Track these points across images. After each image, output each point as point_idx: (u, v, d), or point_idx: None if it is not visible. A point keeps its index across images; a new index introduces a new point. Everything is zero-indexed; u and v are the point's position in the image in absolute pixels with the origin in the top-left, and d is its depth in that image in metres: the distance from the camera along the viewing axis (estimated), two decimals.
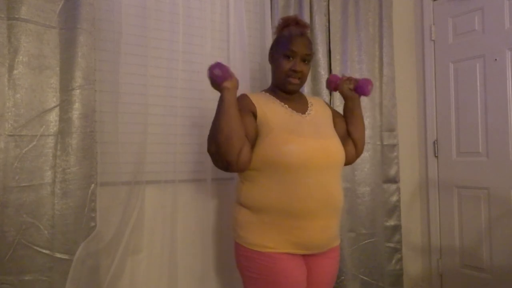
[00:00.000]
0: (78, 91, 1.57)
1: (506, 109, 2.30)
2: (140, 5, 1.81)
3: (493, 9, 2.37)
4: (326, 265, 1.46)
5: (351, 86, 1.59)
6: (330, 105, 1.63)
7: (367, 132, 2.37)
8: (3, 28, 1.47)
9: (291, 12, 2.13)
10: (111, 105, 1.71)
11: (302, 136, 1.35)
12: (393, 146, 2.49)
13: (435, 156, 2.65)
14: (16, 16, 1.48)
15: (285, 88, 1.45)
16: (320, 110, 1.53)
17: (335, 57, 2.28)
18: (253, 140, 1.36)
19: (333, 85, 1.65)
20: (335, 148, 1.42)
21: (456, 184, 2.55)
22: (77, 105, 1.57)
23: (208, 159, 1.90)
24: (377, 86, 2.45)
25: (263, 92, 1.53)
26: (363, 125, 1.62)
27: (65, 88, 1.56)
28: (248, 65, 2.02)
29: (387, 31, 2.48)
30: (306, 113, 1.47)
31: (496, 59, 2.35)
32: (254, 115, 1.39)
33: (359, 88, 1.58)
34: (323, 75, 2.20)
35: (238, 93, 1.40)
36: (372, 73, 2.41)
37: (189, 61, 1.92)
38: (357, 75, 2.35)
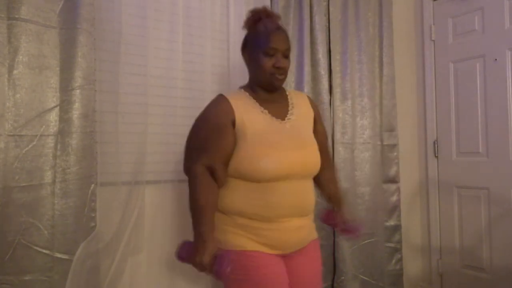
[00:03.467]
0: (78, 91, 1.57)
1: (506, 109, 2.30)
2: (140, 5, 1.81)
3: (493, 9, 2.37)
4: (306, 263, 1.44)
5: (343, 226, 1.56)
6: (314, 103, 1.56)
7: (367, 132, 2.37)
8: (3, 28, 1.47)
9: (291, 12, 2.14)
10: (111, 105, 1.71)
11: (279, 150, 1.31)
12: (393, 146, 2.49)
13: (435, 156, 2.65)
14: (16, 16, 1.48)
15: (271, 86, 1.38)
16: (302, 112, 1.46)
17: (335, 57, 2.28)
18: (231, 154, 1.33)
19: (327, 221, 1.62)
20: (312, 158, 1.39)
21: (456, 184, 2.55)
22: (77, 105, 1.57)
23: None
24: (377, 86, 2.45)
25: (242, 90, 1.43)
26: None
27: (65, 88, 1.56)
28: None
29: (387, 31, 2.48)
30: (286, 118, 1.40)
31: (496, 59, 2.35)
32: (233, 123, 1.33)
33: (347, 231, 1.56)
34: (323, 75, 2.20)
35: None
36: (372, 73, 2.42)
37: (189, 61, 1.92)
38: (357, 75, 2.35)
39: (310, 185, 1.42)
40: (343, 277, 2.19)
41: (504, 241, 2.30)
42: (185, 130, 1.89)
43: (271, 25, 1.37)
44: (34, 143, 1.51)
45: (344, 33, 2.31)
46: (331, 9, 2.28)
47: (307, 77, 2.14)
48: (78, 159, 1.57)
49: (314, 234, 1.49)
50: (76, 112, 1.56)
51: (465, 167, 2.50)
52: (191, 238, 1.88)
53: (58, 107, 1.55)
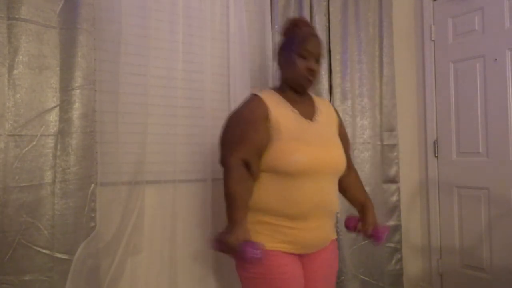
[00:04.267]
0: (78, 91, 1.57)
1: (506, 109, 2.30)
2: (140, 5, 1.81)
3: (493, 9, 2.37)
4: (322, 259, 1.48)
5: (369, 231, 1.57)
6: (337, 110, 1.64)
7: (367, 132, 2.37)
8: (3, 28, 1.47)
9: (291, 12, 2.14)
10: (111, 105, 1.71)
11: (309, 146, 1.38)
12: (393, 146, 2.49)
13: (435, 156, 2.65)
14: (16, 16, 1.48)
15: (301, 86, 1.46)
16: (327, 117, 1.54)
17: (335, 57, 2.28)
18: (265, 148, 1.38)
19: (352, 227, 1.63)
20: (339, 158, 1.46)
21: (456, 184, 2.55)
22: (77, 105, 1.57)
23: (208, 159, 1.91)
24: (377, 86, 2.45)
25: (272, 90, 1.52)
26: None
27: (65, 88, 1.56)
28: (248, 65, 2.02)
29: (387, 31, 2.48)
30: (314, 119, 1.48)
31: (496, 59, 2.35)
32: (267, 118, 1.39)
33: (374, 236, 1.56)
34: (323, 75, 2.20)
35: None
36: (372, 73, 2.42)
37: (189, 61, 1.92)
38: (357, 75, 2.35)
39: (335, 186, 1.48)
40: (343, 277, 2.19)
41: (504, 241, 2.30)
42: (185, 130, 1.90)
43: (307, 30, 1.47)
44: (34, 143, 1.51)
45: (344, 33, 2.31)
46: (331, 9, 2.28)
47: None
48: (78, 159, 1.57)
49: (334, 235, 1.53)
50: (76, 112, 1.56)
51: (465, 167, 2.50)
52: (192, 240, 1.89)
53: (58, 107, 1.55)
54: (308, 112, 1.49)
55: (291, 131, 1.39)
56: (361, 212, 1.61)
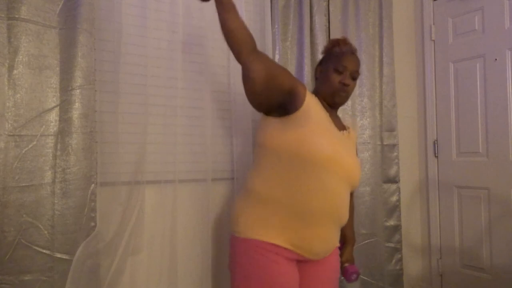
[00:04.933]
0: (78, 91, 1.57)
1: (506, 109, 2.30)
2: (140, 5, 1.81)
3: (493, 9, 2.37)
4: (327, 264, 1.47)
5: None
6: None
7: (367, 132, 2.37)
8: (3, 28, 1.46)
9: (291, 12, 2.14)
10: (111, 105, 1.71)
11: (334, 142, 1.39)
12: (393, 146, 2.49)
13: (435, 156, 2.65)
14: (16, 16, 1.48)
15: (334, 100, 1.49)
16: (351, 138, 1.58)
17: None
18: (272, 90, 1.35)
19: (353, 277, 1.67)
20: (357, 171, 1.46)
21: (456, 184, 2.55)
22: (77, 105, 1.56)
23: (208, 159, 1.91)
24: (377, 86, 2.45)
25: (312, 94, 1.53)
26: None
27: (65, 88, 1.56)
28: None
29: (387, 31, 2.48)
30: (342, 132, 1.51)
31: (496, 59, 2.35)
32: (293, 96, 1.37)
33: (343, 274, 1.63)
34: None
35: None
36: (372, 73, 2.42)
37: (189, 61, 1.92)
38: None
39: (348, 196, 1.45)
40: (343, 277, 2.19)
41: (504, 241, 2.30)
42: (185, 130, 1.90)
43: (345, 48, 1.52)
44: (34, 143, 1.50)
45: (344, 33, 2.31)
46: (331, 9, 2.28)
47: (307, 77, 2.13)
48: (78, 159, 1.56)
49: (337, 243, 1.52)
50: (76, 112, 1.56)
51: (465, 167, 2.50)
52: (192, 240, 1.89)
53: (58, 107, 1.55)
54: (338, 124, 1.52)
55: (321, 124, 1.39)
56: (342, 245, 1.64)
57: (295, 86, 1.37)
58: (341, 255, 1.62)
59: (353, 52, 1.53)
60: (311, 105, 1.39)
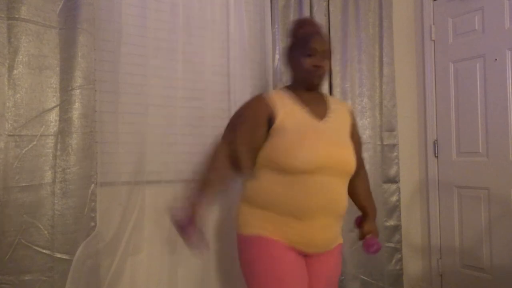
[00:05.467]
0: (78, 91, 1.57)
1: (506, 109, 2.30)
2: (140, 5, 1.81)
3: (493, 9, 2.37)
4: (328, 261, 1.47)
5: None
6: (354, 114, 1.64)
7: (367, 132, 2.37)
8: (3, 28, 1.47)
9: (291, 12, 2.14)
10: (111, 105, 1.71)
11: (317, 143, 1.37)
12: (393, 146, 2.49)
13: (435, 156, 2.65)
14: (16, 16, 1.48)
15: (310, 83, 1.47)
16: (339, 117, 1.53)
17: (335, 57, 2.28)
18: (258, 148, 1.41)
19: (357, 225, 1.68)
20: (347, 157, 1.44)
21: (456, 184, 2.55)
22: (77, 105, 1.57)
23: None
24: (377, 86, 2.45)
25: (285, 88, 1.53)
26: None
27: (65, 88, 1.56)
28: (248, 65, 2.02)
29: (387, 31, 2.48)
30: (324, 118, 1.47)
31: (496, 59, 2.35)
32: (270, 118, 1.40)
33: (364, 245, 1.61)
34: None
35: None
36: (372, 73, 2.42)
37: (189, 61, 1.92)
38: (357, 75, 2.35)
39: (343, 187, 1.45)
40: (343, 277, 2.19)
41: (504, 241, 2.30)
42: (185, 130, 1.90)
43: (311, 29, 1.48)
44: (34, 143, 1.51)
45: (344, 33, 2.31)
46: (331, 9, 2.28)
47: None
48: (78, 159, 1.57)
49: (340, 239, 1.52)
50: (76, 112, 1.56)
51: (465, 167, 2.50)
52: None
53: (58, 107, 1.55)
54: (320, 111, 1.48)
55: (297, 129, 1.38)
56: (363, 218, 1.66)
57: (265, 119, 1.40)
58: (362, 227, 1.63)
59: (319, 32, 1.49)
60: (284, 112, 1.41)
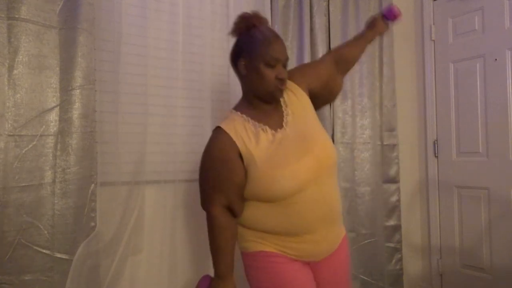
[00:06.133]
0: (78, 91, 1.57)
1: (506, 109, 2.30)
2: (140, 5, 1.81)
3: (493, 9, 2.37)
4: (333, 261, 1.43)
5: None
6: (298, 75, 1.46)
7: (367, 132, 2.37)
8: (3, 28, 1.46)
9: (291, 12, 2.14)
10: (111, 105, 1.71)
11: (290, 164, 1.26)
12: (393, 146, 2.49)
13: (435, 156, 2.65)
14: (16, 16, 1.48)
15: (273, 98, 1.34)
16: (296, 105, 1.39)
17: None
18: (243, 187, 1.31)
19: (393, 17, 1.71)
20: (325, 154, 1.33)
21: (456, 184, 2.55)
22: (77, 105, 1.57)
23: None
24: (377, 86, 2.45)
25: (236, 112, 1.37)
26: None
27: (65, 88, 1.56)
28: None
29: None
30: (284, 123, 1.34)
31: (496, 59, 2.35)
32: (239, 154, 1.29)
33: (387, 14, 1.69)
34: None
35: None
36: (372, 73, 2.42)
37: (189, 61, 1.92)
38: (357, 75, 2.35)
39: (332, 187, 1.36)
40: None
41: (504, 241, 2.30)
42: (185, 130, 1.91)
43: (268, 33, 1.31)
44: (34, 143, 1.50)
45: (344, 33, 2.31)
46: (331, 9, 2.28)
47: None
48: (78, 159, 1.57)
49: (343, 231, 1.46)
50: (76, 112, 1.56)
51: (465, 167, 2.50)
52: (192, 240, 1.89)
53: (58, 107, 1.55)
54: (277, 119, 1.35)
55: (265, 158, 1.27)
56: (371, 26, 1.68)
57: (238, 161, 1.28)
58: (375, 26, 1.69)
59: (276, 35, 1.33)
60: (245, 146, 1.28)
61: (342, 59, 1.56)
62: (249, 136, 1.30)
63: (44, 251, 1.50)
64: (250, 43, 1.31)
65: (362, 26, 2.36)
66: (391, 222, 2.48)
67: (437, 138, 2.65)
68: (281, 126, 1.34)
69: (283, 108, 1.38)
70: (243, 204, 1.32)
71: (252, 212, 1.33)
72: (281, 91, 1.33)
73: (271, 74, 1.29)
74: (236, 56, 1.35)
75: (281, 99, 1.39)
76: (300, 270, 1.35)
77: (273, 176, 1.24)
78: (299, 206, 1.27)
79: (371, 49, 2.43)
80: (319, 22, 2.21)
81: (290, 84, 1.41)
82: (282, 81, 1.31)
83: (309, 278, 1.36)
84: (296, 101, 1.40)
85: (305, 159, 1.28)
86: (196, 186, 1.90)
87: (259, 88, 1.32)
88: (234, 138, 1.29)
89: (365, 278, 2.32)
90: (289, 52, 2.10)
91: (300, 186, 1.26)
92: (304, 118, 1.38)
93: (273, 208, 1.28)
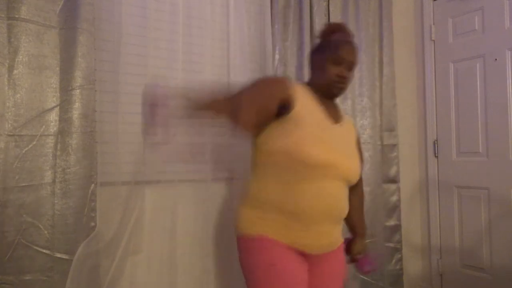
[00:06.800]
0: (78, 91, 1.57)
1: (506, 109, 2.30)
2: (140, 5, 1.81)
3: (493, 9, 2.37)
4: (329, 260, 1.46)
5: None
6: (356, 130, 1.63)
7: (367, 132, 2.37)
8: (3, 28, 1.47)
9: (291, 12, 2.14)
10: (111, 105, 1.71)
11: (329, 146, 1.36)
12: (393, 146, 2.49)
13: (435, 156, 2.65)
14: (16, 16, 1.48)
15: (331, 92, 1.44)
16: (349, 128, 1.54)
17: None
18: (262, 120, 1.31)
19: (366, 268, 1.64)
20: (354, 167, 1.44)
21: (456, 184, 2.55)
22: (77, 105, 1.57)
23: (208, 159, 1.90)
24: (377, 86, 2.45)
25: (305, 84, 1.49)
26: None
27: (65, 88, 1.56)
28: (248, 65, 2.02)
29: (387, 31, 2.48)
30: (339, 124, 1.46)
31: (496, 59, 2.35)
32: (285, 103, 1.32)
33: (357, 265, 1.62)
34: None
35: None
36: (372, 73, 2.42)
37: (189, 61, 1.92)
38: (357, 75, 2.35)
39: (346, 193, 1.44)
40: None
41: (504, 241, 2.30)
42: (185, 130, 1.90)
43: (343, 38, 1.45)
44: (34, 143, 1.51)
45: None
46: (331, 9, 2.28)
47: (307, 77, 2.14)
48: (78, 159, 1.57)
49: (341, 240, 1.52)
50: (76, 112, 1.56)
51: (465, 167, 2.50)
52: (192, 240, 1.89)
53: (58, 107, 1.55)
54: (334, 115, 1.47)
55: (315, 125, 1.36)
56: (352, 239, 1.64)
57: (280, 98, 1.32)
58: (351, 249, 1.62)
59: (350, 41, 1.46)
60: (303, 104, 1.37)
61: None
62: (308, 100, 1.40)
63: (44, 251, 1.50)
64: (325, 43, 1.47)
65: (362, 26, 2.38)
66: (391, 222, 2.48)
67: (437, 138, 2.65)
68: (334, 123, 1.44)
69: (340, 118, 1.50)
70: (249, 119, 1.27)
71: (263, 183, 1.37)
72: (339, 89, 1.44)
73: (334, 70, 1.41)
74: (314, 52, 1.51)
75: (341, 115, 1.51)
76: (296, 261, 1.36)
77: (313, 141, 1.32)
78: (311, 193, 1.32)
79: (371, 49, 2.43)
80: (319, 22, 2.21)
81: (351, 120, 1.61)
82: (342, 79, 1.42)
83: (303, 272, 1.38)
84: (350, 129, 1.55)
85: (340, 154, 1.38)
86: (196, 186, 1.92)
87: (320, 80, 1.45)
88: (295, 91, 1.36)
89: (365, 278, 2.32)
90: (289, 52, 2.12)
91: (327, 166, 1.33)
92: (351, 139, 1.52)
93: (284, 183, 1.33)
